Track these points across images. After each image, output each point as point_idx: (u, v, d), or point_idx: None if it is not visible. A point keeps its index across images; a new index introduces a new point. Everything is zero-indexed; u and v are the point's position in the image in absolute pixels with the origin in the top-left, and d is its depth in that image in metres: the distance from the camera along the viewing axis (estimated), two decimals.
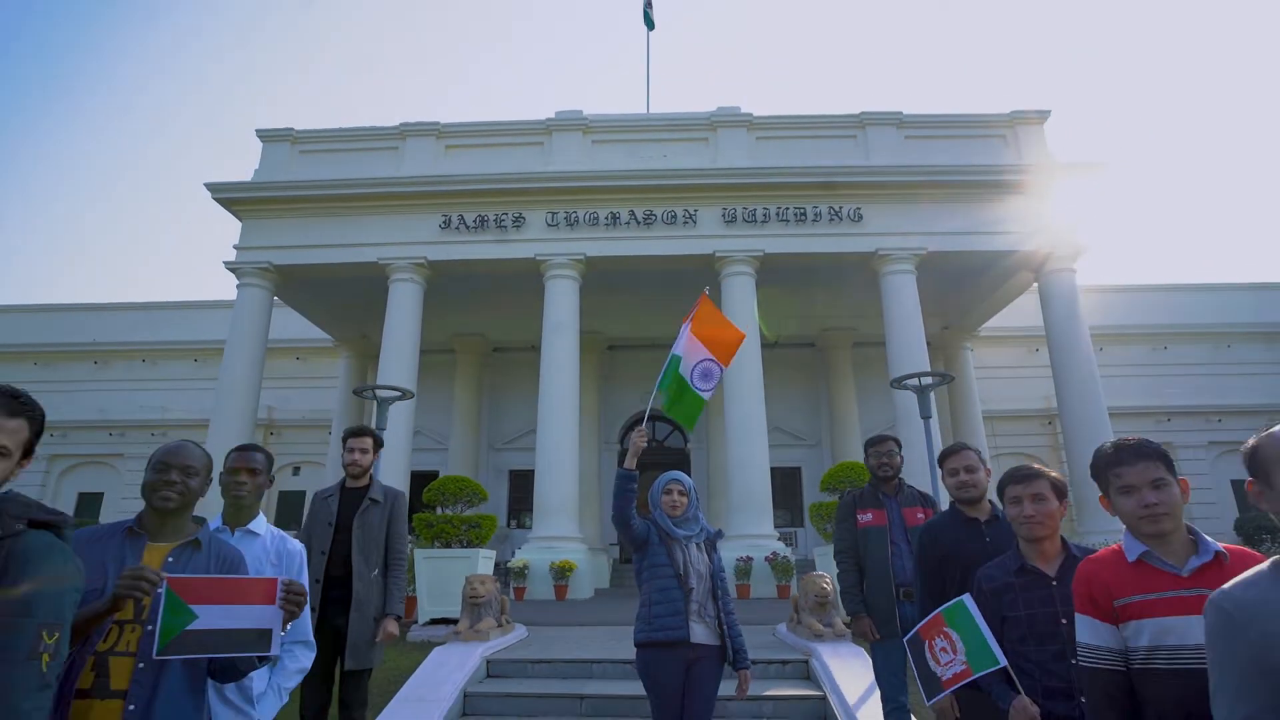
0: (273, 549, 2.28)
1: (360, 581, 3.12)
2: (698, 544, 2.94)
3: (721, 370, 3.40)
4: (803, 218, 13.01)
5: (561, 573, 10.77)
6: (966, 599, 1.99)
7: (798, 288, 14.22)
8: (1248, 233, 71.13)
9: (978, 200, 12.94)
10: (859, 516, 3.46)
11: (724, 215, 13.04)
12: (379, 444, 3.43)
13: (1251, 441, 1.33)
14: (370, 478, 3.39)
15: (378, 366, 13.86)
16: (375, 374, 16.23)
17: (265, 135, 14.10)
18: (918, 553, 2.76)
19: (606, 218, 13.10)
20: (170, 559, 1.81)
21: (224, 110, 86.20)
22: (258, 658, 1.77)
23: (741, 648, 2.89)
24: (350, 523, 3.19)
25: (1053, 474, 2.05)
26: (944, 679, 1.97)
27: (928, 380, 6.84)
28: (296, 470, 18.75)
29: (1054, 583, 1.97)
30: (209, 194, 13.41)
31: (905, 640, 2.17)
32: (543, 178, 13.17)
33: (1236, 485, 18.10)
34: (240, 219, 13.68)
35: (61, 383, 20.09)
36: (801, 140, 13.76)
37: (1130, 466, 1.65)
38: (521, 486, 16.38)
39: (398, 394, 7.04)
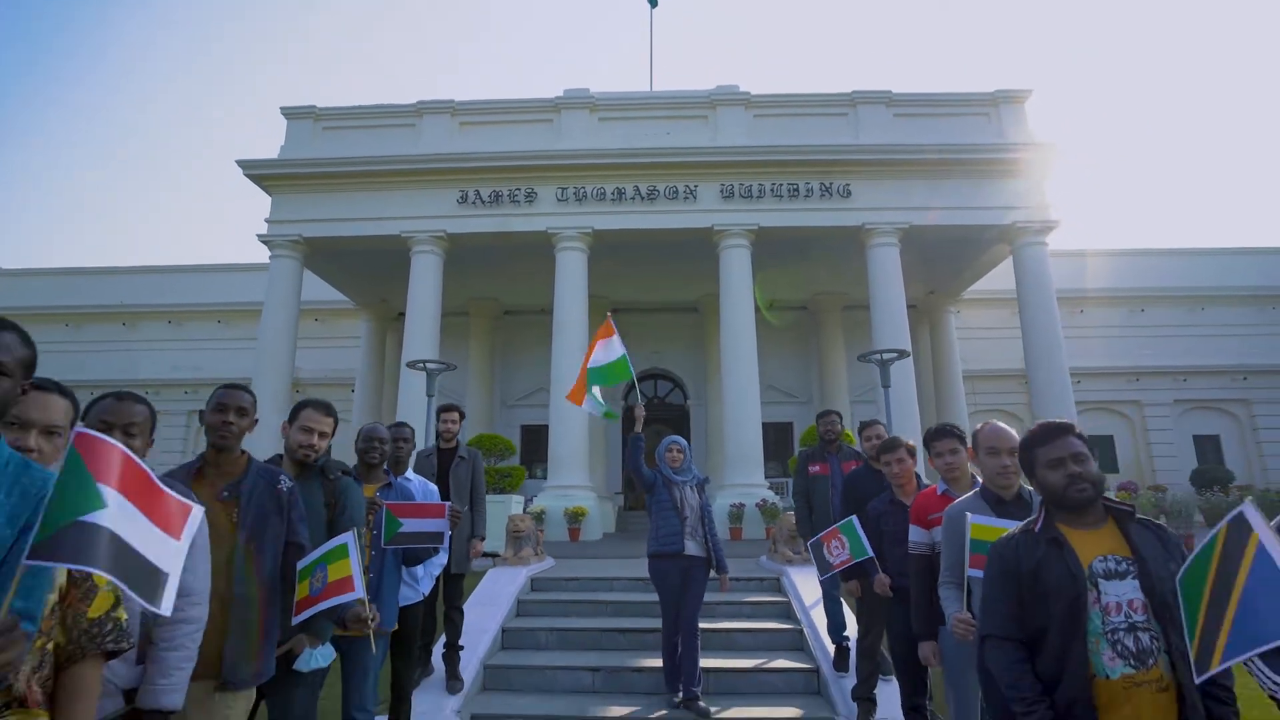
0: (420, 489, 3.54)
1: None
2: (691, 486, 4.25)
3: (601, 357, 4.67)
4: (795, 193, 13.94)
5: (575, 517, 12.13)
6: (854, 519, 3.27)
7: (792, 259, 15.22)
8: (1227, 198, 71.10)
9: (959, 176, 13.85)
10: (810, 468, 4.74)
11: (722, 191, 13.97)
12: (462, 415, 4.68)
13: (976, 427, 2.55)
14: (457, 440, 4.62)
15: (399, 330, 14.95)
16: (395, 336, 17.43)
17: (290, 113, 14.83)
18: (842, 492, 4.03)
19: (613, 193, 14.03)
20: (378, 494, 3.06)
21: (228, 81, 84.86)
22: (433, 548, 3.05)
23: (721, 558, 4.20)
24: (447, 474, 4.46)
25: (909, 443, 3.28)
26: (833, 564, 3.28)
27: (889, 355, 8.08)
28: None
29: (908, 510, 3.21)
30: (240, 170, 14.31)
31: (809, 543, 3.47)
32: (553, 155, 14.03)
33: (1198, 440, 19.40)
34: (270, 194, 14.56)
35: (92, 343, 21.22)
36: (796, 118, 14.53)
37: (940, 441, 2.88)
38: (533, 440, 17.72)
39: (444, 366, 8.26)
